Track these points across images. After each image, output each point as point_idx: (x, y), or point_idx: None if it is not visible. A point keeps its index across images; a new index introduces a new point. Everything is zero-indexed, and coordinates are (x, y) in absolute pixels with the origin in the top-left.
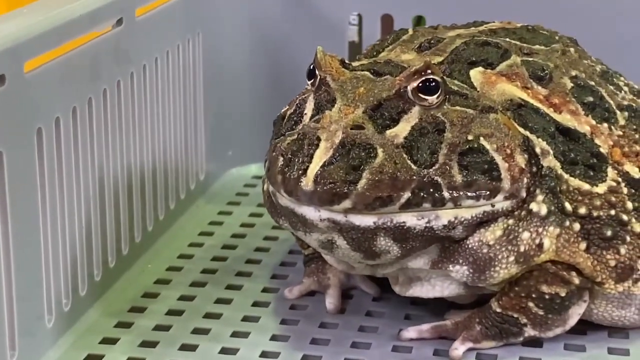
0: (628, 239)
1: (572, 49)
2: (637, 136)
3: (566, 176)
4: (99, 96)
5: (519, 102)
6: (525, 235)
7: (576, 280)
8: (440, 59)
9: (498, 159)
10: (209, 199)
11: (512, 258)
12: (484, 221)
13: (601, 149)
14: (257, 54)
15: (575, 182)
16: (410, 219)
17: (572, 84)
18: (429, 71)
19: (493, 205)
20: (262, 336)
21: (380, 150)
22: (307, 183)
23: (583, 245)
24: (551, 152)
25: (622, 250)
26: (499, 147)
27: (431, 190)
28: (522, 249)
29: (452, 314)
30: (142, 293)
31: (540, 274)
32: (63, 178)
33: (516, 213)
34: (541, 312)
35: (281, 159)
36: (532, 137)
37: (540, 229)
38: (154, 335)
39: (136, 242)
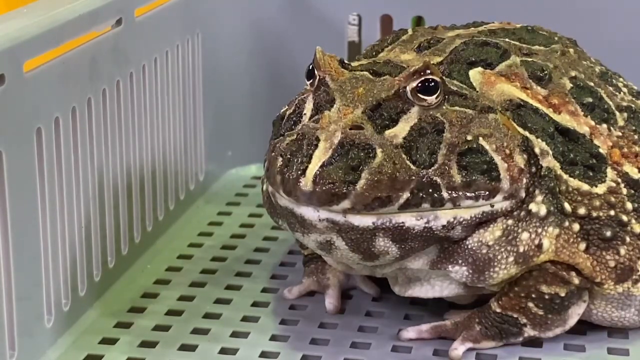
0: (628, 239)
1: (571, 50)
2: (636, 137)
3: (565, 176)
4: (99, 96)
5: (518, 103)
6: (525, 235)
7: (576, 280)
8: (439, 59)
9: (497, 159)
10: (208, 200)
11: (511, 258)
12: (483, 221)
13: (600, 150)
14: (256, 54)
15: (574, 183)
16: (409, 219)
17: (571, 85)
18: (428, 71)
19: (492, 206)
20: (261, 336)
21: (379, 151)
22: (306, 183)
23: (582, 246)
24: (550, 152)
25: (622, 251)
26: (498, 147)
27: (430, 190)
28: (521, 249)
29: (452, 314)
30: (141, 293)
31: (540, 274)
32: (63, 178)
33: (515, 213)
34: (541, 312)
35: (280, 159)
36: (532, 137)
37: (539, 230)
38: (154, 336)
39: (136, 242)
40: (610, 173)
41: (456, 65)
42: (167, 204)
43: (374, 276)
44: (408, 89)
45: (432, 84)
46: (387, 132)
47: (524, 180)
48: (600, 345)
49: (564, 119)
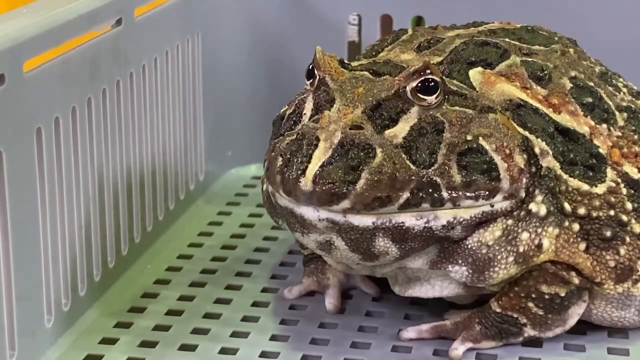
0: (627, 239)
1: (571, 50)
2: (635, 137)
3: (565, 176)
4: (99, 96)
5: (518, 102)
6: (525, 235)
7: (576, 280)
8: (439, 59)
9: (497, 159)
10: (208, 200)
11: (511, 258)
12: (483, 221)
13: (600, 150)
14: (256, 54)
15: (574, 183)
16: (409, 219)
17: (571, 85)
18: (428, 71)
19: (492, 206)
20: (261, 336)
21: (379, 151)
22: (306, 183)
23: (582, 246)
24: (550, 152)
25: (622, 251)
26: (498, 147)
27: (430, 190)
28: (521, 249)
29: (452, 314)
30: (141, 293)
31: (540, 274)
32: (63, 178)
33: (515, 213)
34: (541, 312)
35: (280, 159)
36: (532, 137)
37: (539, 230)
38: (154, 335)
39: (136, 242)
40: (610, 173)
41: (456, 65)
42: (167, 204)
43: (374, 276)
44: (408, 88)
45: (432, 83)
46: (387, 132)
47: (524, 180)
48: (600, 345)
49: (564, 119)
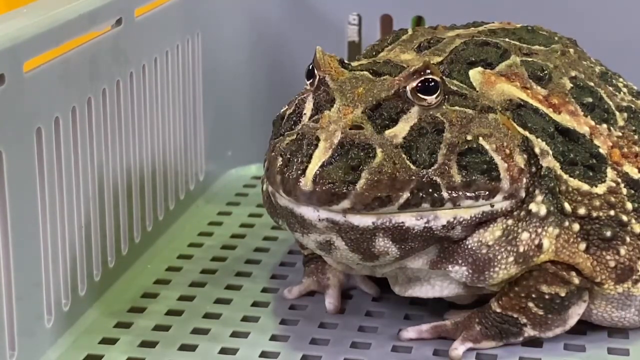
0: (628, 239)
1: (571, 50)
2: (636, 137)
3: (565, 176)
4: (99, 96)
5: (518, 102)
6: (525, 235)
7: (576, 280)
8: (439, 59)
9: (497, 159)
10: (208, 200)
11: (511, 258)
12: (483, 221)
13: (600, 150)
14: (256, 54)
15: (574, 183)
16: (409, 219)
17: (571, 85)
18: (428, 71)
19: (492, 206)
20: (261, 336)
21: (379, 151)
22: (306, 183)
23: (582, 246)
24: (550, 152)
25: (622, 251)
26: (498, 147)
27: (430, 190)
28: (521, 249)
29: (452, 314)
30: (141, 293)
31: (540, 274)
32: (62, 178)
33: (515, 213)
34: (541, 312)
35: (280, 159)
36: (532, 137)
37: (539, 230)
38: (154, 335)
39: (136, 242)
40: (610, 173)
41: (456, 65)
42: (167, 204)
43: (374, 276)
44: (408, 88)
45: (432, 83)
46: (387, 132)
47: (524, 180)
48: (600, 345)
49: (564, 119)
